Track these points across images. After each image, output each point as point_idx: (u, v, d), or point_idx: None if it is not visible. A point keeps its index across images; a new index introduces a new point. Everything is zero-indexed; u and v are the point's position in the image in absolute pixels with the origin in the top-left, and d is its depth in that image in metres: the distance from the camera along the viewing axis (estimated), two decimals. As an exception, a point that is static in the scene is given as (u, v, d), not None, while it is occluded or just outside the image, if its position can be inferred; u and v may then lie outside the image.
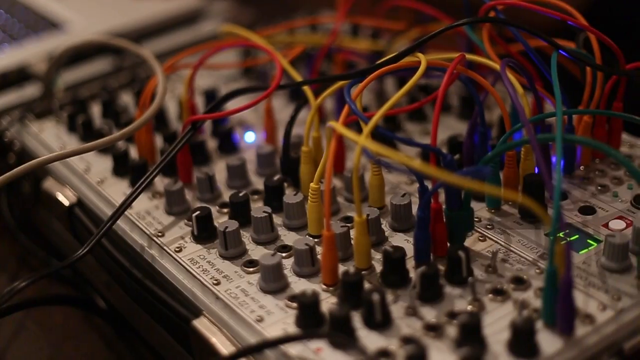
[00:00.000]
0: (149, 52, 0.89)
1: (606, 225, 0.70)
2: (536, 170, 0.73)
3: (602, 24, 0.78)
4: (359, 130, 0.72)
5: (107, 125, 0.92)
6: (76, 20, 1.25)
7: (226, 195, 0.78)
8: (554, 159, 0.77)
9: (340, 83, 0.76)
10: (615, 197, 0.74)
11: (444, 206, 0.68)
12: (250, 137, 0.88)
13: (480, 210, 0.73)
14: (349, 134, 0.62)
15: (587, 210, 0.72)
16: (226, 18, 1.23)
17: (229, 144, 0.86)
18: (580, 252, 0.67)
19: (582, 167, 0.78)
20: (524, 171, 0.73)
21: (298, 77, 0.81)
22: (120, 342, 0.82)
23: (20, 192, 0.93)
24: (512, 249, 0.68)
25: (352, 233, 0.67)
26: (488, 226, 0.71)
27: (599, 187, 0.75)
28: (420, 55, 0.71)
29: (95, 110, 0.96)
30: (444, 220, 0.67)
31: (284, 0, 1.37)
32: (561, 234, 0.69)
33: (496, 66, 0.71)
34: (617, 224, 0.70)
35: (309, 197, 0.70)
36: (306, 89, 0.79)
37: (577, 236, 0.69)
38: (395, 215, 0.72)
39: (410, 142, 0.69)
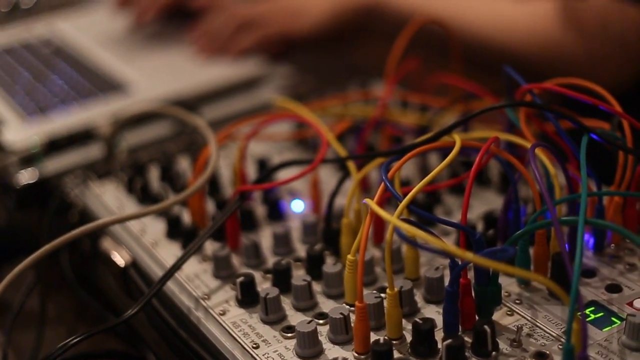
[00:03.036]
0: (203, 122, 0.94)
1: (631, 304, 0.73)
2: (567, 248, 0.76)
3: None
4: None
5: (164, 189, 0.97)
6: (140, 82, 1.31)
7: (271, 261, 0.82)
8: (587, 237, 0.80)
9: (380, 159, 0.80)
10: (643, 276, 0.76)
11: (473, 281, 0.71)
12: (298, 206, 0.92)
13: (510, 284, 0.76)
14: (381, 212, 0.66)
15: (614, 288, 0.75)
16: (284, 86, 1.28)
17: (276, 212, 0.90)
18: (604, 330, 0.70)
19: (612, 245, 0.80)
20: (554, 249, 0.76)
21: (342, 151, 0.85)
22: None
23: (80, 249, 0.98)
24: (538, 324, 0.71)
25: (385, 303, 0.71)
26: (517, 301, 0.74)
27: (628, 266, 0.77)
28: (455, 136, 0.74)
29: (154, 173, 1.02)
30: (473, 294, 0.71)
31: (341, 67, 1.41)
32: (586, 311, 0.72)
33: (529, 146, 0.74)
34: (641, 303, 0.73)
35: (346, 268, 0.74)
36: (349, 163, 0.83)
37: (602, 313, 0.72)
38: (428, 288, 0.75)
39: (441, 220, 0.72)
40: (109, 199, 0.98)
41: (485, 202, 0.90)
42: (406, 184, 0.92)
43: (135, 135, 1.15)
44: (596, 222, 0.71)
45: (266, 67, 1.34)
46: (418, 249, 0.77)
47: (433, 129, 0.98)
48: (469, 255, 0.62)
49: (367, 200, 0.69)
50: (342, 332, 0.71)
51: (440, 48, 1.09)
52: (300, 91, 1.21)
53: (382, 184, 0.72)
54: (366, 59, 1.43)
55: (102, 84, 1.32)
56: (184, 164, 1.04)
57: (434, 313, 0.74)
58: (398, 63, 0.99)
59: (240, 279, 0.77)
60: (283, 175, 0.90)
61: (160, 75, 1.34)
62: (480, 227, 0.85)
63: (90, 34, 1.55)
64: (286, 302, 0.77)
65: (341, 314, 0.71)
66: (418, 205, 0.87)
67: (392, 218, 0.65)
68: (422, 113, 1.05)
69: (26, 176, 1.07)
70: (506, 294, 0.75)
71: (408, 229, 0.64)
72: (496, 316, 0.72)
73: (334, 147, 0.86)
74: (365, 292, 0.71)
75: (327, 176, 0.96)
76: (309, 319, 0.73)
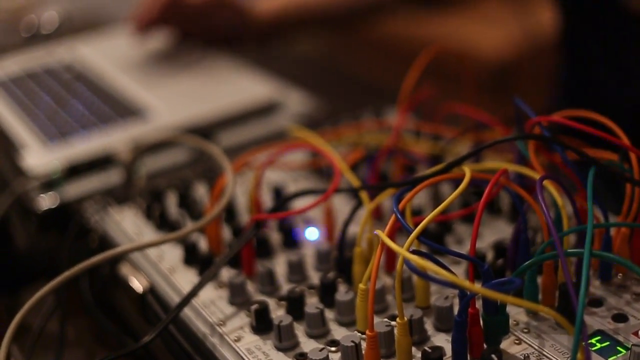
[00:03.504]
0: (219, 151, 0.96)
1: (636, 334, 0.74)
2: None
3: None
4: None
5: (181, 215, 0.99)
6: (159, 108, 1.33)
7: (286, 288, 0.84)
8: (594, 266, 0.82)
9: (392, 189, 0.82)
10: (649, 306, 0.78)
11: (481, 310, 0.73)
12: (312, 234, 0.94)
13: (518, 313, 0.78)
14: (392, 244, 0.68)
15: (620, 317, 0.76)
16: (299, 113, 1.30)
17: (291, 240, 0.92)
18: (609, 359, 0.72)
19: (619, 275, 0.82)
20: (562, 278, 0.77)
21: (355, 181, 0.87)
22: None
23: (99, 274, 1.00)
24: (545, 353, 0.73)
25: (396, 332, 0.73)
26: (524, 330, 0.76)
27: (634, 295, 0.79)
28: (465, 168, 0.76)
29: (172, 199, 1.04)
30: (481, 323, 0.72)
31: (355, 90, 1.43)
32: (592, 341, 0.73)
33: (537, 178, 0.76)
34: (647, 333, 0.74)
35: (357, 296, 0.76)
36: (362, 193, 0.85)
37: (608, 343, 0.73)
38: (438, 316, 0.77)
39: (450, 252, 0.74)
40: (127, 225, 1.00)
41: (496, 231, 0.91)
42: (418, 213, 0.93)
43: (154, 161, 1.17)
44: (601, 254, 0.72)
45: (281, 93, 1.36)
46: (428, 279, 0.79)
47: (445, 158, 1.00)
48: (477, 288, 0.64)
49: (378, 232, 0.71)
50: (353, 360, 0.73)
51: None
52: (316, 118, 1.24)
53: (394, 215, 0.74)
54: (380, 80, 1.46)
55: (122, 110, 1.34)
56: (201, 191, 1.06)
57: (443, 341, 0.75)
58: (411, 91, 1.00)
59: (255, 306, 0.79)
60: (298, 204, 0.92)
61: (179, 101, 1.37)
62: (490, 256, 0.86)
63: (111, 59, 1.58)
64: (299, 329, 0.79)
65: (352, 341, 0.72)
66: (430, 233, 0.89)
67: (401, 250, 0.67)
68: (434, 142, 1.07)
69: (47, 201, 1.10)
70: (514, 322, 0.76)
71: (417, 260, 0.66)
72: (504, 345, 0.74)
73: (347, 177, 0.88)
74: (377, 320, 0.73)
75: (341, 204, 0.98)
76: (321, 346, 0.75)
